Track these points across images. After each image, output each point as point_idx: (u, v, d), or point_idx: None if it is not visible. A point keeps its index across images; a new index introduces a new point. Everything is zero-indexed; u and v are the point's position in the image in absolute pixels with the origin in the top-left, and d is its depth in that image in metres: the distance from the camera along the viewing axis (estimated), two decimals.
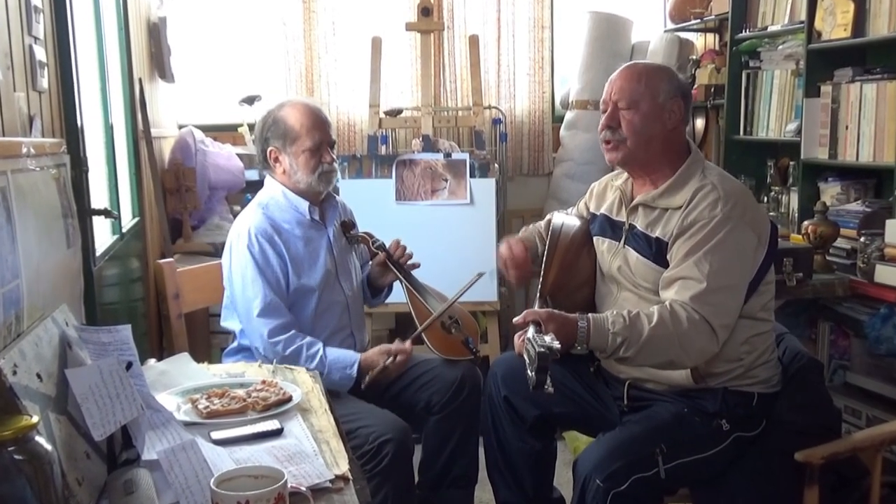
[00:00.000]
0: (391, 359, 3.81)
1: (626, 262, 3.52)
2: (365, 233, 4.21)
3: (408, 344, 3.90)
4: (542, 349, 2.82)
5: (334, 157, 3.97)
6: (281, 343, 3.76)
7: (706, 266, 3.20)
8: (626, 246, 3.52)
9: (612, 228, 3.64)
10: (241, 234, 3.88)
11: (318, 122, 3.93)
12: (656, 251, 3.39)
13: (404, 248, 4.17)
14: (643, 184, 3.54)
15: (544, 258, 3.63)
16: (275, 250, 3.85)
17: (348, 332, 4.06)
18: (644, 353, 3.17)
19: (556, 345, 2.84)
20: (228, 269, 3.93)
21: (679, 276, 3.25)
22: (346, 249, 4.16)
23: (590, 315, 3.20)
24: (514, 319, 3.20)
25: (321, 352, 3.76)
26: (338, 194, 4.32)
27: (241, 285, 3.85)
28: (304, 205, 3.97)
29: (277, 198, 3.98)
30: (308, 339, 3.80)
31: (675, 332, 3.14)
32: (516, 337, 3.25)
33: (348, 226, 4.17)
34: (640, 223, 3.49)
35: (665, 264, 3.36)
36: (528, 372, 2.91)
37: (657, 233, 3.40)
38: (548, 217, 4.01)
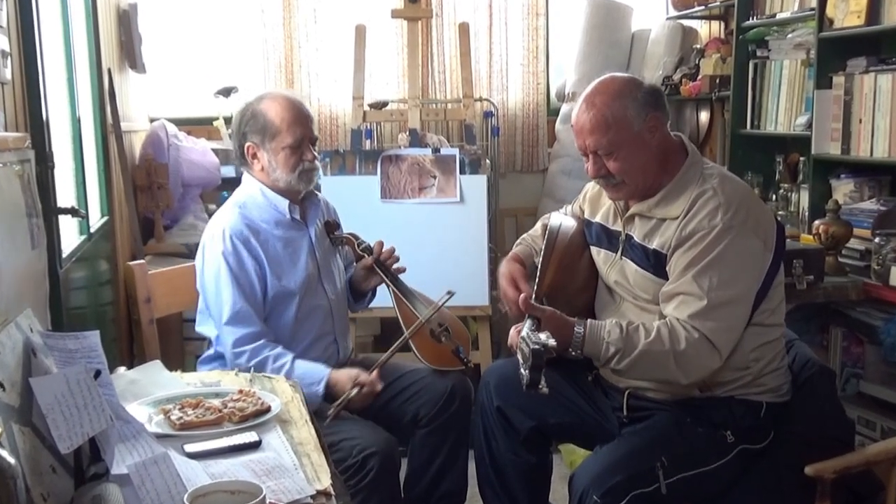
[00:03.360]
0: (356, 390, 3.71)
1: (624, 274, 3.53)
2: (350, 234, 4.20)
3: (375, 375, 3.79)
4: (537, 346, 2.84)
5: (316, 154, 3.97)
6: (245, 354, 3.75)
7: (706, 281, 3.21)
8: (624, 257, 3.54)
9: (608, 238, 3.65)
10: (215, 235, 3.87)
11: (299, 116, 3.91)
12: (654, 263, 3.41)
13: (392, 251, 4.15)
14: (640, 197, 3.53)
15: (541, 258, 3.63)
16: (251, 253, 3.84)
17: (331, 339, 4.06)
18: (636, 367, 3.23)
19: (552, 342, 2.87)
20: (201, 273, 3.93)
21: (678, 292, 3.27)
22: (330, 251, 4.15)
23: (588, 321, 3.23)
24: (521, 301, 3.22)
25: (288, 365, 3.73)
26: (319, 191, 4.30)
27: (213, 290, 3.86)
28: (283, 204, 3.96)
29: (255, 196, 3.97)
30: (277, 350, 3.78)
31: (672, 351, 3.17)
32: (513, 329, 3.26)
33: (332, 226, 4.16)
34: (636, 234, 3.50)
35: (664, 276, 3.37)
36: (522, 370, 2.93)
37: (654, 244, 3.41)
38: (542, 222, 4.00)
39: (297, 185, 3.93)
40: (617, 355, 3.19)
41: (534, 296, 3.46)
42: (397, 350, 3.97)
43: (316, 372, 3.76)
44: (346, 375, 3.77)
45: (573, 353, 3.25)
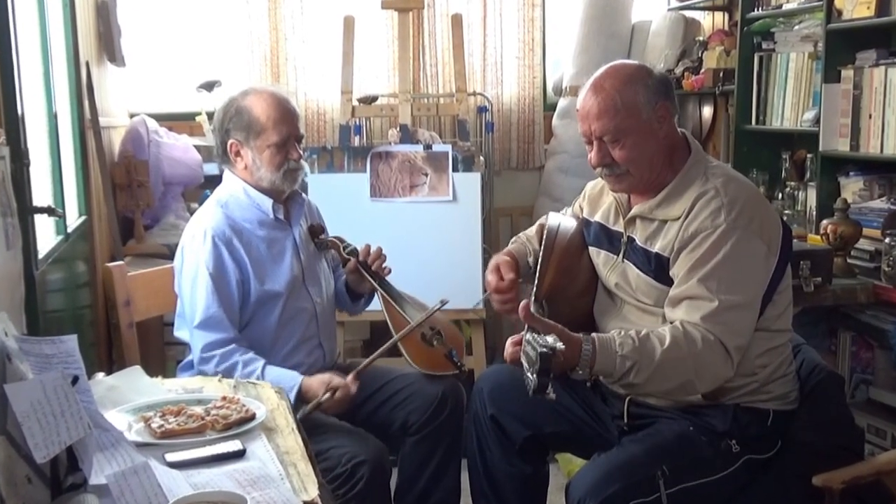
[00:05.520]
0: (328, 394, 3.71)
1: (625, 277, 3.52)
2: (335, 237, 4.21)
3: (350, 379, 3.80)
4: (545, 349, 2.81)
5: (301, 152, 3.97)
6: (215, 358, 3.76)
7: (714, 283, 3.20)
8: (626, 260, 3.53)
9: (608, 239, 3.64)
10: (196, 235, 3.88)
11: (286, 114, 3.92)
12: (656, 267, 3.40)
13: (378, 253, 4.16)
14: (642, 191, 3.52)
15: (539, 259, 3.62)
16: (232, 256, 3.85)
17: (316, 343, 4.07)
18: (656, 378, 3.18)
19: (560, 345, 2.84)
20: (179, 274, 3.94)
21: (686, 296, 3.25)
22: (315, 254, 4.16)
23: (594, 335, 3.19)
24: (521, 310, 3.17)
25: (258, 371, 3.72)
26: (306, 192, 4.30)
27: (189, 292, 3.86)
28: (267, 203, 3.97)
29: (238, 195, 3.98)
30: (248, 355, 3.78)
31: (690, 355, 3.14)
32: (509, 343, 3.24)
33: (317, 230, 4.16)
34: (638, 236, 3.49)
35: (667, 281, 3.36)
36: (528, 374, 2.91)
37: (656, 247, 3.40)
38: (539, 222, 3.99)
39: (282, 184, 3.94)
40: (634, 368, 3.14)
41: (533, 299, 3.45)
42: (382, 355, 3.98)
43: (287, 379, 3.74)
44: (318, 381, 3.78)
45: (580, 373, 3.21)
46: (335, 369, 3.96)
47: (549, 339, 2.88)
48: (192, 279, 3.85)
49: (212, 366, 3.73)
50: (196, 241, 3.86)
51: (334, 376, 3.80)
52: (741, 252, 3.24)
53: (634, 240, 3.49)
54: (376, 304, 4.20)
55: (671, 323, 3.26)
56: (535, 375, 2.85)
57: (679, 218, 3.34)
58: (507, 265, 3.66)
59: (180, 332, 4.00)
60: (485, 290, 3.76)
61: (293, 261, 4.00)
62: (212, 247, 3.82)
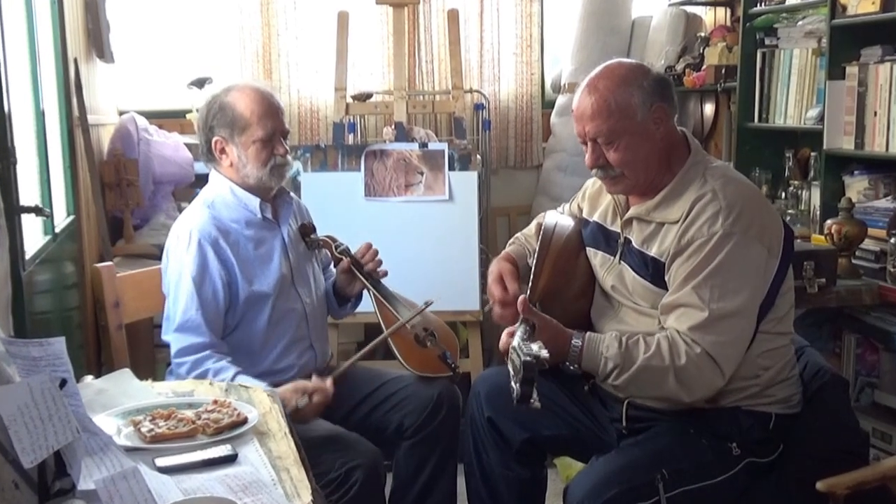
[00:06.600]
0: (306, 398, 3.66)
1: (622, 279, 3.52)
2: (327, 236, 4.21)
3: (328, 382, 3.73)
4: (528, 358, 2.82)
5: (287, 148, 3.98)
6: (186, 364, 3.75)
7: (707, 292, 3.21)
8: (622, 262, 3.53)
9: (605, 240, 3.65)
10: (181, 237, 3.88)
11: (270, 109, 3.92)
12: (653, 271, 3.40)
13: (375, 253, 4.16)
14: (640, 193, 3.52)
15: (534, 261, 3.61)
16: (219, 257, 3.84)
17: (307, 344, 4.07)
18: (635, 383, 3.23)
19: (544, 353, 2.85)
20: (165, 275, 3.95)
21: (678, 304, 3.27)
22: (305, 254, 4.16)
23: (587, 333, 3.23)
24: (519, 303, 3.22)
25: (227, 380, 3.65)
26: (298, 192, 4.29)
27: (172, 294, 3.87)
28: (254, 202, 3.97)
29: (224, 195, 3.98)
30: (221, 363, 3.74)
31: (672, 366, 3.17)
32: (504, 333, 3.26)
33: (308, 229, 4.17)
34: (634, 238, 3.49)
35: (663, 285, 3.37)
36: (512, 384, 2.91)
37: (653, 251, 3.40)
38: (537, 221, 3.99)
39: (269, 181, 3.94)
40: (615, 371, 3.20)
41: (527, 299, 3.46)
42: (363, 357, 3.99)
43: None
44: (290, 389, 3.71)
45: (571, 368, 3.25)
46: (328, 372, 3.95)
47: (535, 346, 2.88)
48: (175, 282, 3.86)
49: (183, 371, 3.74)
50: (181, 244, 3.86)
51: (307, 382, 3.75)
52: (737, 258, 3.24)
53: (631, 241, 3.50)
54: (370, 305, 4.19)
55: (667, 330, 3.28)
56: (518, 385, 2.86)
57: (677, 221, 3.34)
58: (510, 275, 3.65)
59: (166, 336, 3.99)
60: (483, 293, 3.76)
61: (282, 261, 4.00)
62: (196, 249, 3.82)
